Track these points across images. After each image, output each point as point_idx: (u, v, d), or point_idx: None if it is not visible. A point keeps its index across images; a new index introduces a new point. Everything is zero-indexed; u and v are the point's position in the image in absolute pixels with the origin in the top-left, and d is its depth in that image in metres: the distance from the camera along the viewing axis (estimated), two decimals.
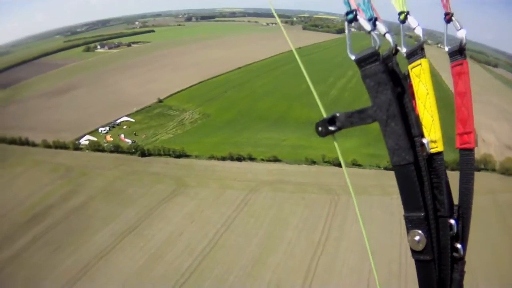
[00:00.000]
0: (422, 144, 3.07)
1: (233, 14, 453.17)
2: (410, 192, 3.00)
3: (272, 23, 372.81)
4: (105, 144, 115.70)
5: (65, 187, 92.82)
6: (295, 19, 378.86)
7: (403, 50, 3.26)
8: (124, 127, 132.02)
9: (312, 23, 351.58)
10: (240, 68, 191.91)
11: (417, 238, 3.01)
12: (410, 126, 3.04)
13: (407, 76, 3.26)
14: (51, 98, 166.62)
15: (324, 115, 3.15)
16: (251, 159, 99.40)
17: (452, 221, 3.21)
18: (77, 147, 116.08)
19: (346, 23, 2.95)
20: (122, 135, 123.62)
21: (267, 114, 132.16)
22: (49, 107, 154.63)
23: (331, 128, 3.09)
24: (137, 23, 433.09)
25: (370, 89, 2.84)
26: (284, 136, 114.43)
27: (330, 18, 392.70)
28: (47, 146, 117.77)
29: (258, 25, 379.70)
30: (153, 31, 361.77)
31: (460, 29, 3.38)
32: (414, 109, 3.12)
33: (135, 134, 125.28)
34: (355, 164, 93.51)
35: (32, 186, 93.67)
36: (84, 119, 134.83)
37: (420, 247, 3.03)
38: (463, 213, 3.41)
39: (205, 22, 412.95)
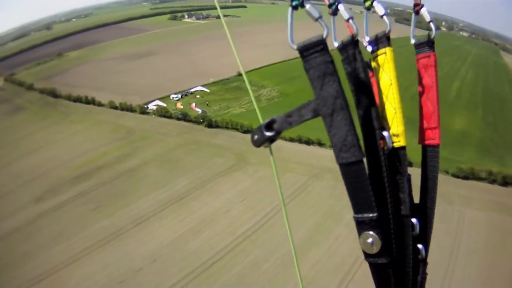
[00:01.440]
0: (383, 138, 2.95)
1: None
2: (359, 191, 2.73)
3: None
4: (174, 111, 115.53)
5: (122, 148, 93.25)
6: (388, 11, 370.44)
7: (366, 38, 3.24)
8: (197, 96, 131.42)
9: (404, 16, 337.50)
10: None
11: (370, 240, 2.74)
12: (369, 119, 2.92)
13: (369, 66, 3.17)
14: (127, 62, 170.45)
15: (261, 121, 2.81)
16: (320, 144, 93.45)
17: (414, 221, 3.16)
18: (144, 111, 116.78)
19: (290, 10, 2.71)
20: (194, 104, 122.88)
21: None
22: (123, 70, 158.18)
23: (268, 133, 2.72)
24: None
25: (314, 81, 2.54)
26: (358, 126, 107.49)
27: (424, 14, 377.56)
28: (113, 107, 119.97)
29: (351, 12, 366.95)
30: (245, 6, 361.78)
31: (429, 21, 3.39)
32: (374, 100, 2.95)
33: (207, 104, 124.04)
34: None
35: (88, 144, 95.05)
36: (157, 85, 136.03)
37: (374, 249, 2.76)
38: (426, 213, 3.40)
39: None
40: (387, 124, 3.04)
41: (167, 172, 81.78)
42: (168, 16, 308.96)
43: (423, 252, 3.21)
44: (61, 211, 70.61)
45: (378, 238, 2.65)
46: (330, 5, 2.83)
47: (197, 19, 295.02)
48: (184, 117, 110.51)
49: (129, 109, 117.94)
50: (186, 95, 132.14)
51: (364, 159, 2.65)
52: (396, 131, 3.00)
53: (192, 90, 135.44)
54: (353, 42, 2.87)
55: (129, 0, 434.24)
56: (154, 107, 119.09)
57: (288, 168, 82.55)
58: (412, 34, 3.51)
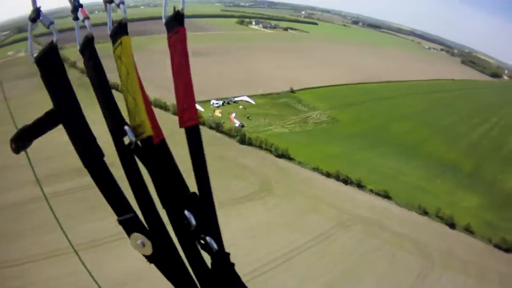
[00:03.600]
0: (125, 133, 2.92)
1: (399, 30, 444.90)
2: (111, 193, 2.83)
3: (434, 49, 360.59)
4: (209, 118, 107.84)
5: None
6: (456, 51, 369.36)
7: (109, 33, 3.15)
8: (240, 107, 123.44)
9: (470, 59, 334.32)
10: (389, 82, 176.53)
11: (139, 241, 2.83)
12: (109, 115, 2.95)
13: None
14: None
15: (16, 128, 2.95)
16: (359, 186, 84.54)
17: (186, 213, 3.07)
18: (175, 112, 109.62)
19: (29, 23, 2.81)
20: (233, 115, 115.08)
21: (399, 139, 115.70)
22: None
23: (20, 143, 2.93)
24: (303, 12, 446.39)
25: (49, 89, 2.73)
26: (406, 170, 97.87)
27: (488, 60, 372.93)
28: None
29: (420, 46, 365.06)
30: (316, 23, 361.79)
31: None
32: (111, 96, 3.00)
33: (248, 117, 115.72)
34: (467, 230, 76.75)
35: (106, 135, 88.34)
36: (202, 87, 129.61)
37: (148, 250, 2.85)
38: (203, 201, 3.28)
39: (370, 30, 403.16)
40: (133, 116, 2.89)
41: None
42: (236, 20, 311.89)
43: (214, 244, 3.11)
44: (56, 201, 63.41)
45: (146, 238, 2.69)
46: (72, 11, 2.82)
47: (264, 27, 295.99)
48: (217, 126, 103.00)
49: (162, 106, 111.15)
50: (228, 103, 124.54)
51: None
52: (139, 121, 2.86)
53: (237, 99, 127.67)
54: (88, 42, 2.84)
55: None
56: None
57: (315, 208, 74.11)
58: (163, 14, 3.35)
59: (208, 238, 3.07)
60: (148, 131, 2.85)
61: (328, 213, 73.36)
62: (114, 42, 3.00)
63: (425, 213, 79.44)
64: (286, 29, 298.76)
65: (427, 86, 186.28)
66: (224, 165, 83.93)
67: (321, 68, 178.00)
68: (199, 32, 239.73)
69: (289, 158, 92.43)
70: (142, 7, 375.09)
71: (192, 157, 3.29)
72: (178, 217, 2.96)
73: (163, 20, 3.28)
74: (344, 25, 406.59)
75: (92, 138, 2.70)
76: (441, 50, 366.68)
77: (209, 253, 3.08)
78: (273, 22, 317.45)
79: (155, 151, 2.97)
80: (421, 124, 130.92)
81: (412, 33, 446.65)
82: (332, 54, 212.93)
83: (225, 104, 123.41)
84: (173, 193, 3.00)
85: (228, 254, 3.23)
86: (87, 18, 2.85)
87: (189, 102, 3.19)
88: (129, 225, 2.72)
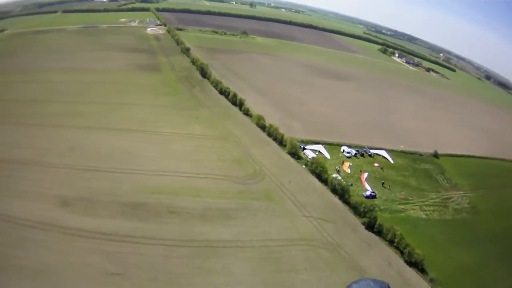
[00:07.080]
0: None
1: None
2: None
3: None
4: (333, 177, 73.30)
5: (226, 197, 62.71)
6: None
7: None
8: (376, 165, 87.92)
9: None
10: None
11: None
12: None
13: None
14: (312, 75, 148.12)
15: None
16: None
17: None
18: (294, 153, 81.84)
19: None
20: (365, 176, 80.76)
21: None
22: (302, 83, 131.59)
23: None
24: (441, 55, 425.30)
25: None
26: None
27: None
28: (260, 126, 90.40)
29: None
30: (454, 70, 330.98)
31: None
32: None
33: (382, 184, 79.89)
34: None
35: (183, 162, 68.93)
36: (334, 124, 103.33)
37: None
38: None
39: (500, 90, 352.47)
40: None
41: (256, 283, 45.87)
42: (379, 47, 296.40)
43: None
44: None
45: None
46: None
47: (407, 62, 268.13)
48: (342, 194, 68.46)
49: (279, 140, 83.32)
50: (362, 154, 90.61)
51: None
52: None
53: (373, 151, 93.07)
54: None
55: (345, 17, 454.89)
56: (313, 155, 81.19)
57: None
58: None
59: None
60: None
61: None
62: None
63: None
64: (428, 70, 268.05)
65: None
66: (333, 263, 52.61)
67: (463, 128, 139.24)
68: (344, 51, 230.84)
69: (421, 270, 56.48)
70: (283, 10, 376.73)
71: None
72: None
73: None
74: (479, 78, 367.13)
75: None
76: None
77: None
78: (415, 59, 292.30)
79: None
80: None
81: None
82: (474, 112, 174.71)
83: (358, 155, 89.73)
84: None
85: None
86: None
87: None
88: None
